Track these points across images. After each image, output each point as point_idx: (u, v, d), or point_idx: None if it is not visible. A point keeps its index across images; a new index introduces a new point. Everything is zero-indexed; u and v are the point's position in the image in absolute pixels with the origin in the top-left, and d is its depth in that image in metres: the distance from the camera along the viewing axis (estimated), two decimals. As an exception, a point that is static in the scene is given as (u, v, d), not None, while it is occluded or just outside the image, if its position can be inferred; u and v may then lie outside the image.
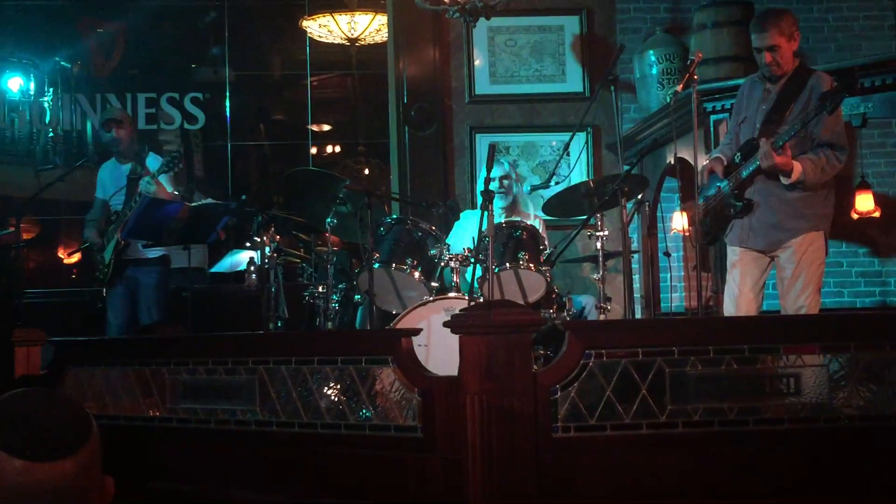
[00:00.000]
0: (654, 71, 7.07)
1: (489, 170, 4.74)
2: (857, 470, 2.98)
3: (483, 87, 7.52)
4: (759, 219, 4.70)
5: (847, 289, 7.13)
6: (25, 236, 7.91)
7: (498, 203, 5.76)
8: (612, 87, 5.91)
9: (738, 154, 4.72)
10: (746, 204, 4.68)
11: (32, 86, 9.65)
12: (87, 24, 9.82)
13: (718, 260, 5.67)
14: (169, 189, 5.96)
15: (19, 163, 9.53)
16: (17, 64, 9.63)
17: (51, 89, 9.65)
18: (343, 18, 8.57)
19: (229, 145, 9.67)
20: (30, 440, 1.35)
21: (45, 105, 9.62)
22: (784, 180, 4.54)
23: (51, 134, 9.58)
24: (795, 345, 3.06)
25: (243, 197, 5.65)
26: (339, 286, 5.54)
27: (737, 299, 4.74)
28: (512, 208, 5.94)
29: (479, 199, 5.72)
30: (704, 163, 4.99)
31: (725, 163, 4.83)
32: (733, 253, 4.84)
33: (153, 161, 6.18)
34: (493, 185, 5.67)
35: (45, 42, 9.67)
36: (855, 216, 6.91)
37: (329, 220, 5.28)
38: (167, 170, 5.89)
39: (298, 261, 6.49)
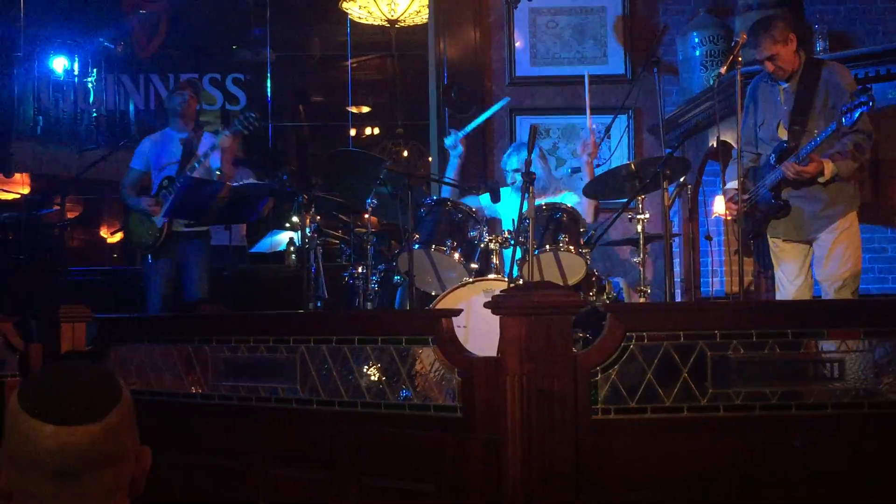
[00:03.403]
0: (698, 53, 7.00)
1: (530, 151, 4.72)
2: (902, 457, 2.95)
3: (524, 68, 7.49)
4: (798, 211, 4.83)
5: (892, 275, 7.03)
6: (69, 215, 8.04)
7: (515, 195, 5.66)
8: (655, 70, 5.85)
9: (773, 156, 4.78)
10: (784, 204, 4.80)
11: (76, 66, 9.76)
12: (130, 5, 9.91)
13: (760, 245, 5.63)
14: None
15: (63, 142, 9.67)
16: (61, 44, 9.75)
17: (94, 70, 9.76)
18: (383, 0, 8.57)
19: (270, 126, 9.72)
20: (58, 405, 1.42)
21: (89, 85, 9.74)
22: (820, 180, 4.67)
23: (94, 114, 9.70)
24: (840, 330, 3.02)
25: (284, 177, 5.66)
26: (379, 267, 5.56)
27: (787, 291, 4.91)
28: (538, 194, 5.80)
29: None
30: (725, 190, 5.13)
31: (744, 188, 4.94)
32: (775, 245, 4.99)
33: (208, 138, 6.18)
34: (508, 178, 5.69)
35: (89, 23, 9.77)
36: (901, 201, 6.81)
37: (369, 200, 5.29)
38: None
39: (338, 241, 6.52)
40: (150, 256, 6.09)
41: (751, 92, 5.07)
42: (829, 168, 4.59)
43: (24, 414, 1.41)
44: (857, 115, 4.35)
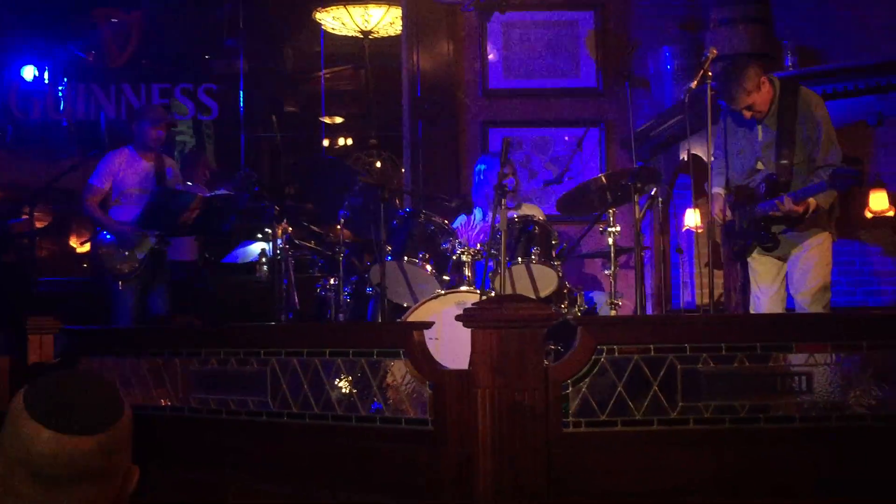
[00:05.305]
0: (669, 67, 7.05)
1: (503, 164, 4.74)
2: (869, 469, 2.97)
3: (496, 81, 7.52)
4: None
5: (860, 288, 7.11)
6: (38, 225, 7.93)
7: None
8: (626, 83, 5.90)
9: (762, 185, 4.80)
10: (773, 237, 4.84)
11: (47, 75, 9.67)
12: (101, 14, 9.84)
13: (730, 258, 5.68)
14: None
15: (33, 151, 9.55)
16: (31, 53, 9.66)
17: (65, 79, 9.67)
18: (357, 11, 8.56)
19: (243, 137, 9.67)
20: (60, 413, 1.45)
21: (60, 94, 9.65)
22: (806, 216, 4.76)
23: (64, 123, 9.61)
24: (808, 343, 3.05)
25: (256, 188, 5.61)
26: (351, 279, 5.55)
27: (760, 304, 4.97)
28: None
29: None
30: (716, 194, 5.08)
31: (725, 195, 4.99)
32: (750, 259, 5.03)
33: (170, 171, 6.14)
34: (475, 181, 5.73)
35: (60, 32, 9.69)
36: (869, 215, 6.89)
37: (342, 212, 5.28)
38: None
39: (310, 253, 6.49)
40: (119, 283, 5.96)
41: (722, 127, 5.09)
42: (812, 206, 4.69)
43: (26, 414, 1.45)
44: (848, 186, 4.50)
